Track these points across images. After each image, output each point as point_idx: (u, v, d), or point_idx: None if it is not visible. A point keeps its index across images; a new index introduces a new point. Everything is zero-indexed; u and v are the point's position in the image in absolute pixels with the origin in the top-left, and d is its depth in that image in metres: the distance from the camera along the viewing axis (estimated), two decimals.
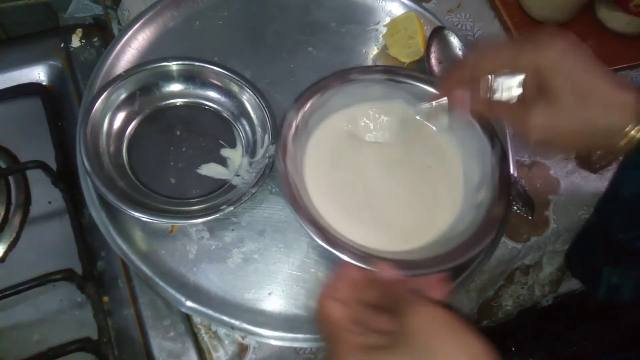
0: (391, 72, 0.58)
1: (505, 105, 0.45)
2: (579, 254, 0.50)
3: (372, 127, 0.58)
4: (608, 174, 0.63)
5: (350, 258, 0.47)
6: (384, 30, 0.68)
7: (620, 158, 0.43)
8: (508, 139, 0.61)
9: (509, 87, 0.45)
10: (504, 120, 0.48)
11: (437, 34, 0.65)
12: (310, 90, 0.55)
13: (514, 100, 0.45)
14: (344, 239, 0.49)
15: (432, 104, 0.51)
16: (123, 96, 0.57)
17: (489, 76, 0.45)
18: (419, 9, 0.69)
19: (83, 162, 0.52)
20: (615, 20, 0.72)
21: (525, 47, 0.42)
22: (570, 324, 0.78)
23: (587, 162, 0.63)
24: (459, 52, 0.64)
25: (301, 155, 0.54)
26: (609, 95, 0.40)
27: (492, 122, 0.54)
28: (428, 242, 0.52)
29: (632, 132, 0.39)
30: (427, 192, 0.55)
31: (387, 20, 0.69)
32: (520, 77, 0.44)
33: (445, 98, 0.49)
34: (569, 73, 0.40)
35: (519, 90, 0.45)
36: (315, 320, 0.40)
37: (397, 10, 0.70)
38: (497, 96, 0.46)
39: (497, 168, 0.53)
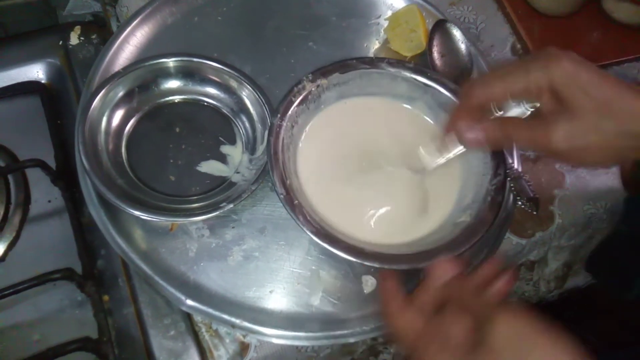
0: (398, 65, 0.56)
1: (521, 123, 0.43)
2: (605, 261, 0.49)
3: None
4: (614, 168, 0.62)
5: (351, 256, 0.46)
6: (385, 24, 0.67)
7: None
8: None
9: (519, 113, 0.44)
10: (521, 141, 0.44)
11: (440, 27, 0.64)
12: (300, 86, 0.54)
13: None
14: (341, 235, 0.48)
15: (442, 154, 0.50)
16: (121, 93, 0.56)
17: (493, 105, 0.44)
18: (420, 1, 0.68)
19: (81, 160, 0.51)
20: (621, 10, 0.71)
21: (533, 65, 0.40)
22: (575, 318, 0.77)
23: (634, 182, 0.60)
24: (462, 46, 0.63)
25: (294, 149, 0.54)
26: (633, 100, 0.38)
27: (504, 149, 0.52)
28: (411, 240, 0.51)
29: None
30: (419, 197, 0.53)
31: (389, 13, 0.68)
32: (528, 103, 0.43)
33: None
34: (585, 84, 0.38)
35: (528, 112, 0.43)
36: (396, 339, 0.41)
37: (399, 3, 0.69)
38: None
39: (490, 196, 0.50)
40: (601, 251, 0.48)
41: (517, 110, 0.44)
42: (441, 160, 0.50)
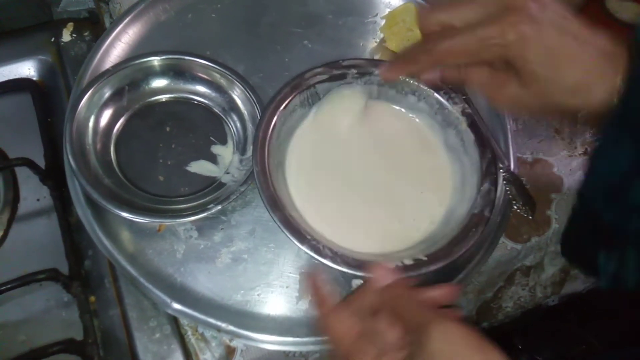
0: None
1: (477, 71, 0.42)
2: (571, 244, 0.47)
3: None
4: None
5: (334, 264, 0.45)
6: (382, 22, 0.65)
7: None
8: (509, 135, 0.59)
9: None
10: (473, 86, 0.43)
11: None
12: (288, 87, 0.53)
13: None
14: (326, 241, 0.47)
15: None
16: (111, 92, 0.56)
17: None
18: (418, 0, 0.67)
19: (68, 159, 0.51)
20: (625, 10, 0.69)
21: (493, 27, 0.37)
22: (578, 322, 0.76)
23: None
24: None
25: (282, 153, 0.53)
26: (589, 60, 0.36)
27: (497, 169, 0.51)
28: (407, 246, 0.50)
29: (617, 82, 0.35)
30: (409, 205, 0.52)
31: (386, 12, 0.66)
32: None
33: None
34: (543, 54, 0.36)
35: None
36: (326, 338, 0.40)
37: (396, 1, 0.68)
38: None
39: (478, 210, 0.49)
40: (566, 234, 0.46)
41: None
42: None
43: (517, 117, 0.62)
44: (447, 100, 0.53)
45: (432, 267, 0.45)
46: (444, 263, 0.46)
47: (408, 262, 0.45)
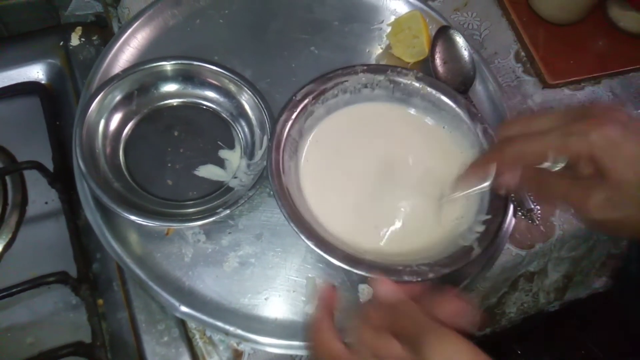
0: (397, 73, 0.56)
1: (561, 180, 0.40)
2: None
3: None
4: None
5: (346, 265, 0.46)
6: (387, 29, 0.66)
7: None
8: None
9: (548, 165, 0.40)
10: (557, 197, 0.41)
11: (443, 34, 0.63)
12: (308, 88, 0.53)
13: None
14: (338, 242, 0.47)
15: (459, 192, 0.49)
16: (120, 96, 0.56)
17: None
18: (424, 7, 0.68)
19: (78, 163, 0.51)
20: (627, 19, 0.70)
21: (573, 127, 0.37)
22: (578, 328, 0.76)
23: None
24: (465, 52, 0.63)
25: (296, 160, 0.53)
26: None
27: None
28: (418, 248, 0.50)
29: None
30: (427, 210, 0.52)
31: (392, 19, 0.67)
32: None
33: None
34: (629, 157, 0.35)
35: (557, 167, 0.40)
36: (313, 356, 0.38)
37: (402, 8, 0.68)
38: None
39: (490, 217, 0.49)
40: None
41: (548, 163, 0.40)
42: (460, 193, 0.49)
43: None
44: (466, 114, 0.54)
45: (449, 269, 0.46)
46: (459, 266, 0.46)
47: (417, 268, 0.46)
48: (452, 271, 0.45)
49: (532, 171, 0.41)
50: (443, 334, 0.32)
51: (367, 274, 0.45)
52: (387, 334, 0.35)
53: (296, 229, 0.46)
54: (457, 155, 0.55)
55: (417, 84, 0.55)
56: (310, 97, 0.53)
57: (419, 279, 0.44)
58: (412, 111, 0.57)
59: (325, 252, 0.45)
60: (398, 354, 0.34)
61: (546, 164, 0.40)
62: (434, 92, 0.55)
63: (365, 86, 0.55)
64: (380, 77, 0.55)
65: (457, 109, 0.55)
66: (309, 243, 0.46)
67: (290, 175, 0.51)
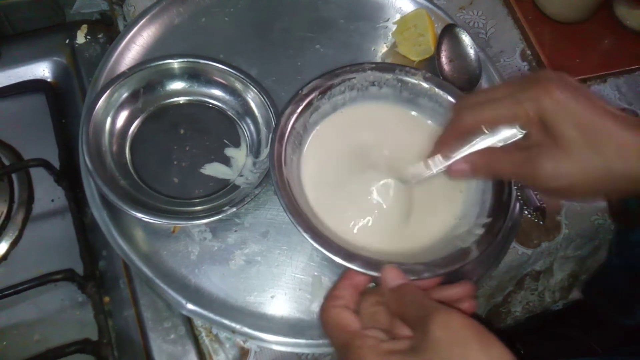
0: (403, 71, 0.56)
1: (506, 157, 0.41)
2: (601, 289, 0.47)
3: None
4: None
5: (356, 266, 0.45)
6: (393, 27, 0.66)
7: None
8: None
9: (510, 135, 0.42)
10: (506, 175, 0.43)
11: (448, 32, 0.63)
12: (315, 83, 0.53)
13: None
14: (341, 241, 0.47)
15: (426, 171, 0.48)
16: (126, 94, 0.56)
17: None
18: (429, 5, 0.68)
19: (85, 160, 0.51)
20: (634, 18, 0.70)
21: (524, 94, 0.38)
22: (581, 327, 0.76)
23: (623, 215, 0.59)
24: (471, 51, 0.63)
25: (299, 153, 0.53)
26: (622, 137, 0.36)
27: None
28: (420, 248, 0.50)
29: None
30: (423, 207, 0.52)
31: (397, 17, 0.67)
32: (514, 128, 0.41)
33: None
34: (577, 115, 0.36)
35: (519, 135, 0.41)
36: (325, 330, 0.40)
37: (407, 7, 0.68)
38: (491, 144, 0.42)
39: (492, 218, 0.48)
40: (596, 279, 0.47)
41: (508, 132, 0.41)
42: (425, 175, 0.49)
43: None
44: None
45: (444, 270, 0.46)
46: (455, 267, 0.46)
47: (412, 266, 0.45)
48: (447, 272, 0.45)
49: (480, 154, 0.43)
50: (448, 312, 0.34)
51: (362, 270, 0.45)
52: (394, 317, 0.37)
53: (293, 220, 0.46)
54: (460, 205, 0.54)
55: (425, 84, 0.54)
56: (317, 92, 0.52)
57: (414, 278, 0.44)
58: (417, 113, 0.57)
59: (321, 246, 0.45)
60: (403, 329, 0.36)
61: (504, 132, 0.41)
62: (441, 93, 0.54)
63: (373, 84, 0.55)
64: (389, 76, 0.54)
65: None
66: (306, 235, 0.45)
67: (292, 168, 0.51)
